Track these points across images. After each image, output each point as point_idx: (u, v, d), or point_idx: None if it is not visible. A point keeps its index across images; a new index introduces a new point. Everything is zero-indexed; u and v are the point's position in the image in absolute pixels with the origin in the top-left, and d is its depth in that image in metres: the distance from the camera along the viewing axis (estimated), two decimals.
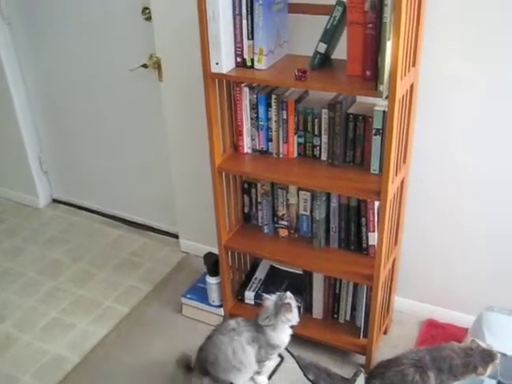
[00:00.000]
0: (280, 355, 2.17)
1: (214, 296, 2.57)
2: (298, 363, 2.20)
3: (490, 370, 1.93)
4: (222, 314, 2.57)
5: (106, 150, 3.27)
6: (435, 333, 2.48)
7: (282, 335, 2.02)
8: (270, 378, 2.11)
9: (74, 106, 3.23)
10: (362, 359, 2.34)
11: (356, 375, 2.07)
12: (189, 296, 2.65)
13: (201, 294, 2.63)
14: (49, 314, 2.74)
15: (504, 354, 1.99)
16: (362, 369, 2.12)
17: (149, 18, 2.60)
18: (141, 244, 3.25)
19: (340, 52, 1.97)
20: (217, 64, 1.98)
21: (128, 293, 2.87)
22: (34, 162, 3.55)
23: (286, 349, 2.18)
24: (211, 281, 2.53)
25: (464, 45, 1.99)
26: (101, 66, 2.98)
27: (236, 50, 2.01)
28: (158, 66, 2.66)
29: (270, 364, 2.13)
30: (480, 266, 2.36)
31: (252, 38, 1.96)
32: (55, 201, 3.71)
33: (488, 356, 1.94)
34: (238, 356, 1.98)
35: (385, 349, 2.40)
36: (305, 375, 2.19)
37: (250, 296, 2.57)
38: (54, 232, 3.40)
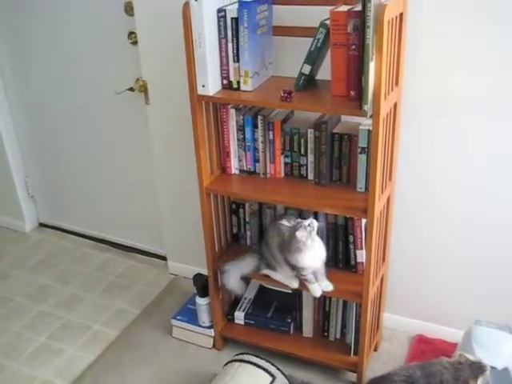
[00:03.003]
0: (271, 374, 2.16)
1: (203, 317, 2.56)
2: (289, 382, 2.19)
3: (480, 382, 1.94)
4: (213, 334, 2.56)
5: (93, 173, 3.27)
6: (425, 348, 2.50)
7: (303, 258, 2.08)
8: None
9: (60, 129, 3.24)
10: (353, 377, 2.35)
11: None
12: (179, 317, 2.64)
13: (191, 315, 2.62)
14: (36, 340, 2.71)
15: (494, 368, 2.01)
16: None
17: (135, 42, 2.63)
18: (129, 266, 3.24)
19: (324, 73, 2.00)
20: (203, 86, 2.00)
21: (117, 316, 2.85)
22: (20, 187, 3.53)
23: (278, 368, 2.18)
24: (201, 302, 2.53)
25: (446, 62, 2.04)
26: (88, 89, 2.99)
27: (222, 73, 2.03)
28: (144, 89, 2.68)
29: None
30: (467, 280, 2.39)
31: (238, 61, 1.99)
32: (42, 225, 3.70)
33: (478, 369, 1.95)
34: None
35: (376, 365, 2.41)
36: None
37: (239, 316, 2.56)
38: (41, 256, 3.38)
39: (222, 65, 2.02)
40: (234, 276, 2.30)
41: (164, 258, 3.20)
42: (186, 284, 2.97)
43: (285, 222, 2.11)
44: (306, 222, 2.02)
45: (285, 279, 2.22)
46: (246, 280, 2.43)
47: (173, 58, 2.43)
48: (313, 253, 2.08)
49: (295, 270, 2.14)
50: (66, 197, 3.49)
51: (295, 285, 2.20)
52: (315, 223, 2.03)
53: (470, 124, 2.10)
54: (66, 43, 2.92)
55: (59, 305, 2.95)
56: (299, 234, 2.01)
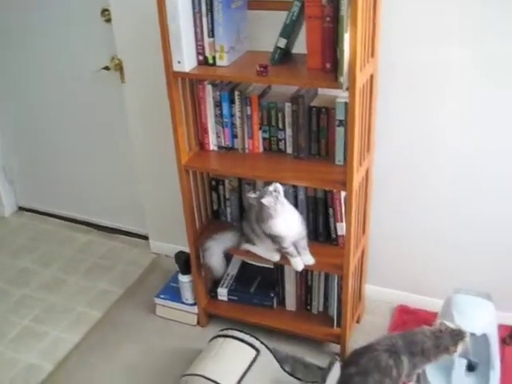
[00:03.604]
0: (256, 348, 2.18)
1: (187, 294, 2.57)
2: (273, 356, 2.21)
3: (460, 348, 1.98)
4: (196, 311, 2.57)
5: (71, 155, 3.24)
6: (407, 318, 2.53)
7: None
8: (246, 371, 2.12)
9: (36, 112, 3.19)
10: (336, 348, 2.38)
11: (331, 364, 2.09)
12: (162, 296, 2.65)
13: (174, 293, 2.63)
14: (20, 323, 2.70)
15: (473, 334, 2.04)
16: (337, 357, 2.15)
17: (109, 20, 2.59)
18: (110, 247, 3.23)
19: (300, 46, 1.99)
20: (179, 63, 1.98)
21: (100, 297, 2.85)
22: None
23: (262, 342, 2.20)
24: (183, 279, 2.54)
25: (421, 32, 2.04)
26: (62, 70, 2.95)
27: (197, 48, 2.02)
28: (119, 67, 2.65)
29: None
30: (447, 251, 2.42)
31: (213, 36, 1.98)
32: (21, 208, 3.66)
33: (457, 335, 1.99)
34: None
35: (359, 337, 2.43)
36: (281, 367, 2.21)
37: (223, 292, 2.58)
38: (22, 240, 3.35)
39: (197, 40, 2.00)
40: (216, 253, 2.30)
41: (146, 238, 3.19)
42: (168, 262, 2.97)
43: (251, 194, 2.11)
44: (271, 188, 2.03)
45: (266, 253, 2.23)
46: (227, 258, 2.44)
47: (148, 34, 2.38)
48: (285, 218, 2.08)
49: (275, 242, 2.15)
50: (44, 180, 3.45)
51: (276, 258, 2.21)
52: (279, 187, 2.03)
53: (448, 94, 2.11)
54: (38, 24, 2.86)
55: (42, 288, 2.94)
56: (265, 200, 2.02)
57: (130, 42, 2.54)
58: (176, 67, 1.99)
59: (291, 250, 2.15)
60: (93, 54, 2.77)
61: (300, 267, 2.19)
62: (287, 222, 2.10)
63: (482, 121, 2.11)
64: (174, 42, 1.95)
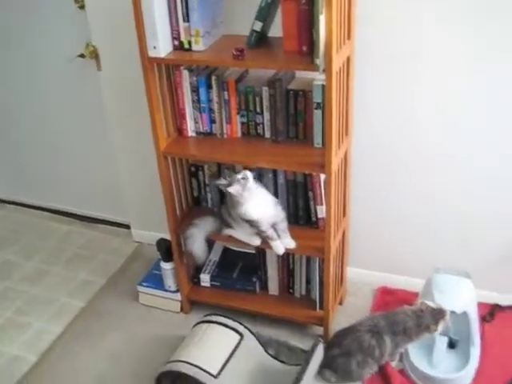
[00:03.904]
0: (239, 333, 2.19)
1: (169, 281, 2.57)
2: (257, 340, 2.23)
3: (441, 326, 2.01)
4: (179, 298, 2.58)
5: (49, 145, 3.20)
6: (389, 299, 2.56)
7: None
8: (230, 356, 2.12)
9: (11, 102, 3.15)
10: (319, 330, 2.39)
11: (315, 346, 2.11)
12: (144, 284, 2.64)
13: (156, 280, 2.63)
14: (2, 316, 2.69)
15: (454, 312, 2.07)
16: (321, 339, 2.17)
17: (82, 7, 2.55)
18: (91, 237, 3.22)
19: (277, 30, 1.98)
20: (154, 48, 1.96)
21: (82, 287, 2.84)
22: None
23: (245, 326, 2.21)
24: (166, 266, 2.53)
25: (398, 14, 2.04)
26: (37, 59, 2.90)
27: (173, 33, 2.00)
28: (95, 55, 2.62)
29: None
30: (427, 231, 2.44)
31: (188, 20, 1.96)
32: (1, 201, 3.61)
33: (438, 314, 2.02)
34: None
35: (341, 319, 2.45)
36: (265, 351, 2.23)
37: (205, 279, 2.58)
38: (3, 232, 3.32)
39: (172, 25, 1.98)
40: (198, 240, 2.30)
41: (127, 227, 3.18)
42: (150, 251, 2.95)
43: (222, 181, 2.11)
44: (239, 176, 2.03)
45: (246, 237, 2.23)
46: (209, 244, 2.44)
47: (123, 20, 2.34)
48: (256, 203, 2.08)
49: (252, 226, 2.15)
50: (23, 171, 3.42)
51: (257, 242, 2.21)
52: (248, 174, 2.04)
53: (426, 76, 2.12)
54: (9, 12, 2.81)
55: (23, 279, 2.92)
56: (232, 189, 2.03)
57: (104, 29, 2.51)
58: (151, 53, 1.97)
59: (270, 233, 2.16)
60: (67, 42, 2.73)
61: (281, 251, 2.19)
62: (259, 206, 2.10)
63: (460, 103, 2.12)
64: (148, 27, 1.92)
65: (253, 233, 2.20)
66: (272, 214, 2.14)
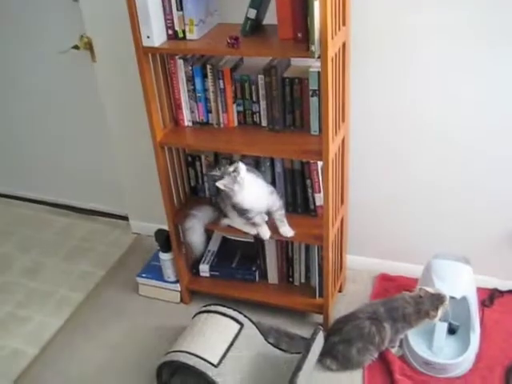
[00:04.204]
0: (239, 322, 2.19)
1: (168, 272, 2.57)
2: (257, 329, 2.23)
3: (440, 312, 2.01)
4: (179, 289, 2.58)
5: (45, 138, 3.19)
6: (388, 286, 2.56)
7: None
8: (230, 345, 2.12)
9: (5, 95, 3.14)
10: (319, 318, 2.39)
11: (315, 334, 2.11)
12: (144, 275, 2.64)
13: (156, 271, 2.62)
14: (2, 309, 2.69)
15: (453, 297, 2.07)
16: (321, 327, 2.16)
17: None
18: (90, 229, 3.21)
19: (272, 17, 1.97)
20: (148, 38, 1.95)
21: (82, 279, 2.83)
22: None
23: (245, 316, 2.21)
24: (164, 257, 2.53)
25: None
26: (31, 51, 2.89)
27: (166, 22, 1.99)
28: (89, 46, 2.60)
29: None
30: (424, 216, 2.44)
31: (181, 9, 1.94)
32: None
33: (437, 299, 2.02)
34: None
35: (341, 306, 2.46)
36: (265, 339, 2.23)
37: (204, 269, 2.58)
38: (0, 226, 3.32)
39: (165, 14, 1.97)
40: (197, 231, 2.29)
41: (126, 218, 3.18)
42: (149, 242, 2.95)
43: (215, 172, 2.10)
44: (230, 169, 2.03)
45: (243, 226, 2.23)
46: (207, 234, 2.43)
47: (116, 11, 2.33)
48: (248, 193, 2.07)
49: (241, 215, 2.15)
50: (19, 164, 3.40)
51: (254, 231, 2.21)
52: (241, 166, 2.03)
53: (424, 61, 2.10)
54: (1, 4, 2.79)
55: (23, 273, 2.92)
56: (220, 183, 2.03)
57: (98, 20, 2.50)
58: (145, 42, 1.96)
59: (257, 219, 2.16)
60: (61, 34, 2.71)
61: (267, 235, 2.20)
62: (250, 196, 2.08)
63: (459, 86, 2.11)
64: (142, 16, 1.91)
65: (246, 222, 2.20)
66: (266, 203, 2.14)
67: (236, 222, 2.24)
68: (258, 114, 2.16)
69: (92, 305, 2.67)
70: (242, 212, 2.13)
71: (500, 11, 1.93)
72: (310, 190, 2.22)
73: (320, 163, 2.10)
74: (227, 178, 2.02)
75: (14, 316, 2.65)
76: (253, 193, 2.09)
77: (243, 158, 2.25)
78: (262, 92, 2.10)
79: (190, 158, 2.38)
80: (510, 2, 1.90)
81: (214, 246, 2.65)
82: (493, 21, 1.95)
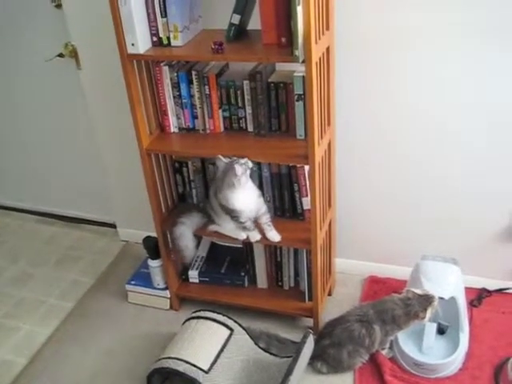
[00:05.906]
0: (229, 327, 2.19)
1: (157, 279, 2.56)
2: (248, 334, 2.23)
3: (430, 312, 2.02)
4: (168, 295, 2.57)
5: (31, 147, 3.17)
6: (377, 288, 2.57)
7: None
8: (221, 351, 2.12)
9: None
10: (309, 322, 2.39)
11: (305, 337, 2.11)
12: (133, 282, 2.64)
13: (145, 279, 2.62)
14: None
15: (442, 298, 2.08)
16: (311, 331, 2.17)
17: (59, 6, 2.53)
18: (78, 238, 3.20)
19: (255, 22, 1.98)
20: (133, 45, 1.95)
21: (71, 288, 2.82)
22: None
23: (235, 321, 2.21)
24: (153, 264, 2.52)
25: (376, 3, 2.04)
26: (15, 60, 2.88)
27: (151, 29, 1.99)
28: (74, 54, 2.60)
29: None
30: (413, 219, 2.45)
31: (165, 16, 1.95)
32: None
33: (425, 301, 2.03)
34: None
35: (331, 309, 2.45)
36: (256, 344, 2.23)
37: (193, 275, 2.57)
38: None
39: (149, 21, 1.97)
40: (187, 238, 2.29)
41: (114, 226, 3.17)
42: (138, 249, 2.93)
43: (222, 158, 2.09)
44: (242, 160, 2.03)
45: (231, 232, 2.23)
46: (196, 240, 2.43)
47: (100, 18, 2.33)
48: (244, 193, 2.09)
49: (233, 217, 2.16)
50: (5, 174, 3.38)
51: (243, 235, 2.21)
52: (250, 163, 2.04)
53: (407, 62, 2.12)
54: None
55: (11, 283, 2.90)
56: (237, 166, 2.01)
57: (83, 27, 2.49)
58: (130, 50, 1.96)
59: (248, 224, 2.17)
60: (45, 42, 2.70)
61: (257, 237, 2.21)
62: (245, 197, 2.10)
63: (443, 88, 2.13)
64: (126, 24, 1.91)
65: (235, 227, 2.20)
66: (255, 208, 2.15)
67: (225, 227, 2.24)
68: (243, 120, 2.16)
69: (82, 313, 2.65)
70: (234, 215, 2.13)
71: (483, 11, 1.95)
72: (297, 194, 2.22)
73: (307, 167, 2.10)
74: (240, 165, 2.01)
75: (2, 326, 2.63)
76: (247, 195, 2.10)
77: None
78: (247, 97, 2.10)
79: (177, 165, 2.38)
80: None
81: (202, 251, 2.65)
82: (478, 21, 1.97)
